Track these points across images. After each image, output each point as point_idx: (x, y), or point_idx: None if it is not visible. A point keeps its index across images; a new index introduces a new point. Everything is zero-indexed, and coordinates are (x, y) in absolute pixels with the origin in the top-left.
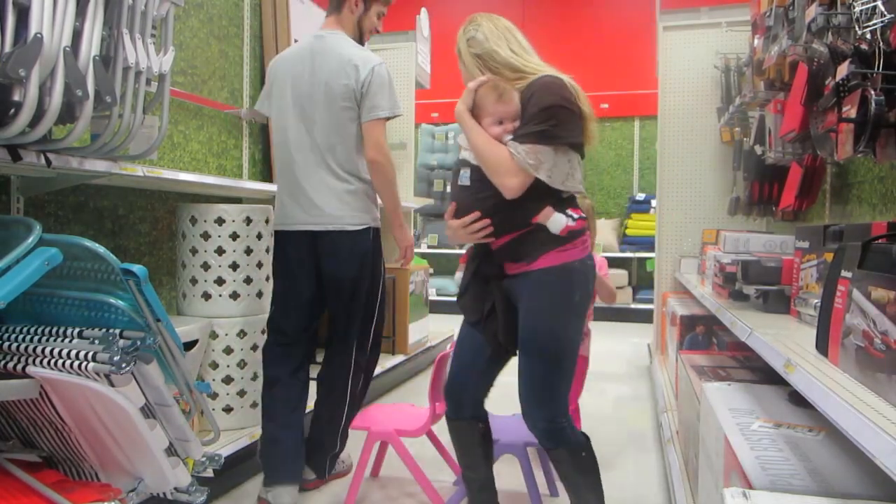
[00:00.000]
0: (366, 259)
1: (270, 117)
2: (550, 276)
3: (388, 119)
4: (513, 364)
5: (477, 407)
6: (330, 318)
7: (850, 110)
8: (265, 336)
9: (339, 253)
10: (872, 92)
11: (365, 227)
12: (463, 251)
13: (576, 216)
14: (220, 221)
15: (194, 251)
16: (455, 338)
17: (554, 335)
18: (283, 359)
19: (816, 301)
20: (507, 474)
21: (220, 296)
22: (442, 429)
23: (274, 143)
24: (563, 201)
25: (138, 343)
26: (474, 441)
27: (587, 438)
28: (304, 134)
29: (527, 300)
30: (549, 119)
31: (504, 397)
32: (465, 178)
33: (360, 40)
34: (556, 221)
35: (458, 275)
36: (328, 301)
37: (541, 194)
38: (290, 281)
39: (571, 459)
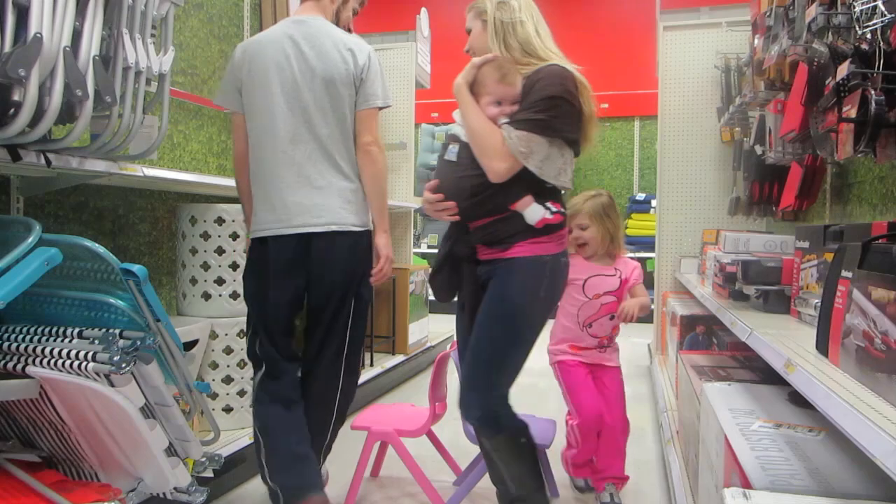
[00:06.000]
0: (365, 264)
1: (243, 111)
2: (522, 268)
3: (381, 109)
4: None
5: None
6: (312, 329)
7: (851, 110)
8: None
9: (336, 256)
10: (872, 92)
11: (366, 228)
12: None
13: (554, 209)
14: (220, 221)
15: (194, 251)
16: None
17: (505, 326)
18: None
19: (816, 301)
20: None
21: (220, 296)
22: (442, 429)
23: (255, 138)
24: (545, 192)
25: (138, 343)
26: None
27: (526, 426)
28: (302, 125)
29: (492, 287)
30: (550, 109)
31: None
32: (452, 153)
33: None
34: (534, 212)
35: None
36: (316, 311)
37: (525, 182)
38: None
39: (509, 445)
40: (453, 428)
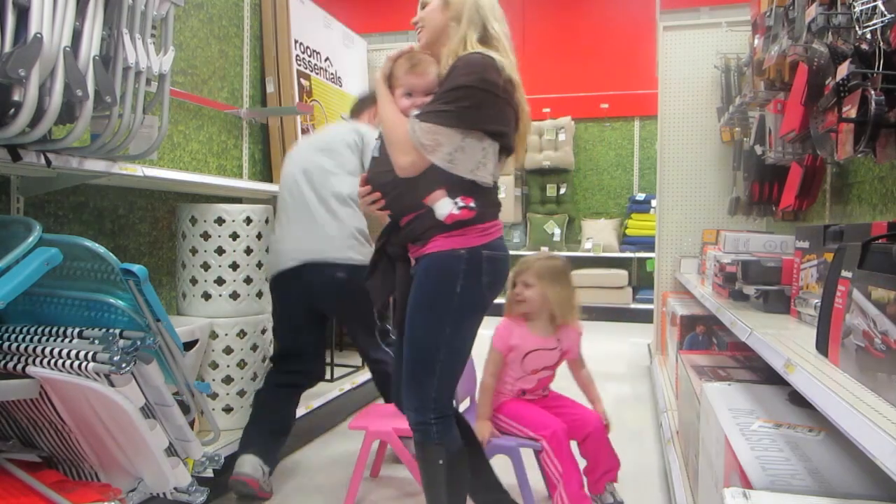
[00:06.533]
0: (328, 289)
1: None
2: (436, 263)
3: None
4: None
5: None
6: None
7: (850, 110)
8: (265, 336)
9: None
10: (872, 92)
11: (317, 260)
12: None
13: (462, 204)
14: (220, 221)
15: (194, 251)
16: None
17: (425, 325)
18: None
19: (816, 301)
20: (500, 474)
21: (220, 296)
22: None
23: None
24: (461, 187)
25: (138, 343)
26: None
27: (455, 454)
28: (301, 177)
29: (412, 286)
30: (461, 100)
31: None
32: (375, 148)
33: None
34: (441, 207)
35: None
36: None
37: (437, 176)
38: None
39: (427, 462)
40: None
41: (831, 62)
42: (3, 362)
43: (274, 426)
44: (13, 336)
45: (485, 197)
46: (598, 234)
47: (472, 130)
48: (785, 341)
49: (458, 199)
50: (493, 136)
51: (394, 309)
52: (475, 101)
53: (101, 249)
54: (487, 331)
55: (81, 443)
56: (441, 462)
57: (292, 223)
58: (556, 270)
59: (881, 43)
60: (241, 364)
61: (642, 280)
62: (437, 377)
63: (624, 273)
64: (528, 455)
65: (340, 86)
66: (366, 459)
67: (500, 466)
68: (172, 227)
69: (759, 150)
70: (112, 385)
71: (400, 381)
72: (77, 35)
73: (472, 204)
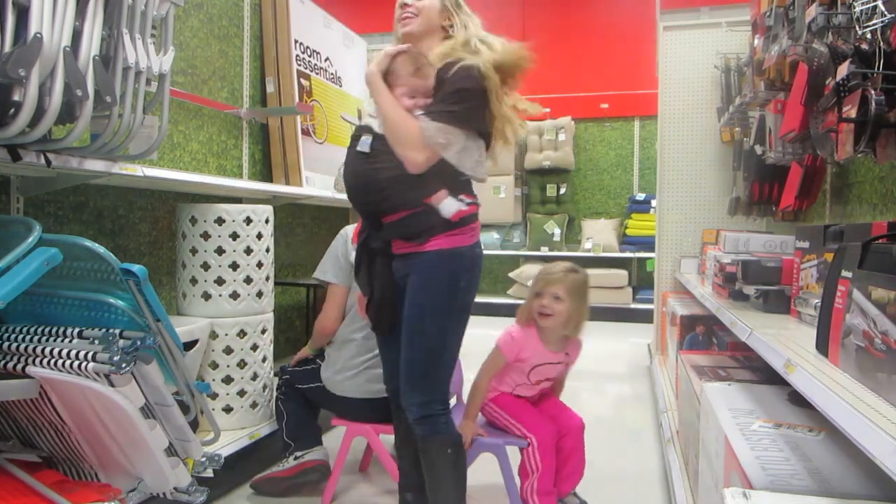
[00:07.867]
0: None
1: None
2: (440, 260)
3: None
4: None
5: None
6: None
7: (851, 110)
8: (265, 336)
9: None
10: (872, 92)
11: None
12: None
13: (468, 201)
14: (220, 221)
15: (194, 251)
16: None
17: (438, 318)
18: None
19: (816, 301)
20: (486, 472)
21: (220, 296)
22: None
23: None
24: (459, 186)
25: (138, 343)
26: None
27: (460, 444)
28: None
29: (414, 282)
30: (465, 101)
31: None
32: (365, 144)
33: None
34: (449, 206)
35: None
36: None
37: (439, 175)
38: None
39: (436, 453)
40: None
41: (831, 62)
42: (3, 362)
43: None
44: (13, 336)
45: (475, 195)
46: (598, 234)
47: (472, 131)
48: (785, 341)
49: (461, 196)
50: (483, 136)
51: (368, 304)
52: (477, 103)
53: (101, 249)
54: (495, 331)
55: (81, 443)
56: (449, 451)
57: None
58: (585, 286)
59: (881, 43)
60: (241, 364)
61: (642, 280)
62: (445, 368)
63: (624, 273)
64: (512, 454)
65: (340, 86)
66: (346, 454)
67: (486, 465)
68: (172, 227)
69: (759, 150)
70: (112, 385)
71: (395, 378)
72: (77, 35)
73: (475, 199)
